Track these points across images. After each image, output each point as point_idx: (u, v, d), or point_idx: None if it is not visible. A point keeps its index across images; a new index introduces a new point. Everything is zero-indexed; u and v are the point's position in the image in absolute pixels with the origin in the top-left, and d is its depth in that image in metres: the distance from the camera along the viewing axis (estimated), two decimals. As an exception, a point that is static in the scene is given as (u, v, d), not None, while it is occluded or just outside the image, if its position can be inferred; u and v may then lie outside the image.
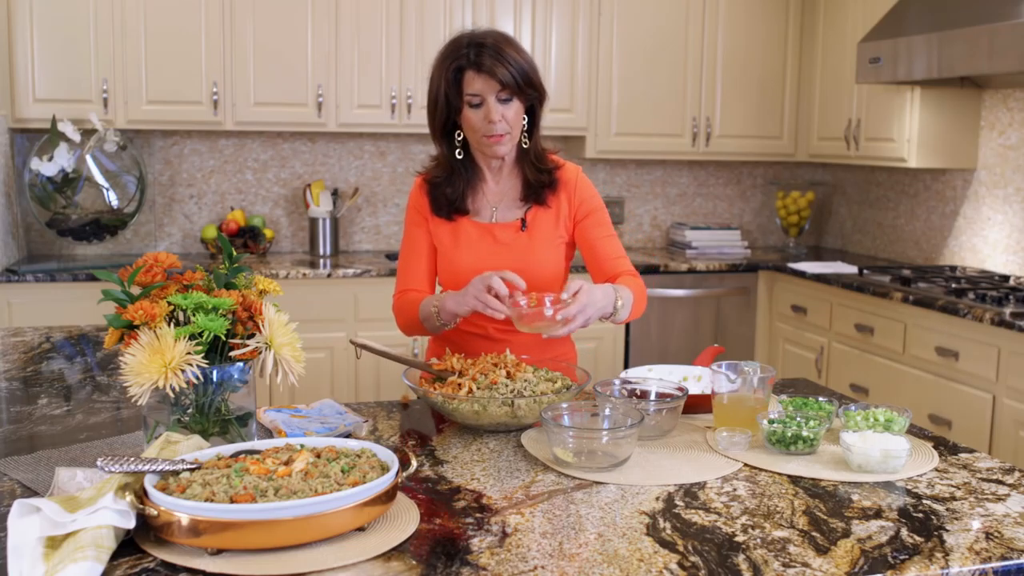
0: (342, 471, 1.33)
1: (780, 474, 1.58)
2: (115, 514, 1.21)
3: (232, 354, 1.48)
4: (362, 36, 4.23)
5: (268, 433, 1.73)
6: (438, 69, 2.03)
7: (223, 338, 1.47)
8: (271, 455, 1.37)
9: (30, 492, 1.43)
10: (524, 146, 2.10)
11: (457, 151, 2.09)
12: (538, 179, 2.11)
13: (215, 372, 1.48)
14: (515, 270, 2.05)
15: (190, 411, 1.50)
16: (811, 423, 1.68)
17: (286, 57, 4.16)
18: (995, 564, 1.25)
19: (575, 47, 4.50)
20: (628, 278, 2.10)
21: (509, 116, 2.00)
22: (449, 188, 2.10)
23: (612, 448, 1.59)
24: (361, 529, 1.28)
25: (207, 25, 4.06)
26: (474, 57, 1.97)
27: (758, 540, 1.31)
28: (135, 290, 1.51)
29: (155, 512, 1.21)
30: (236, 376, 1.51)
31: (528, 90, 2.01)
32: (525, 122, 2.08)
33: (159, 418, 1.50)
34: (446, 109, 2.04)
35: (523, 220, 2.11)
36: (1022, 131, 3.91)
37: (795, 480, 1.55)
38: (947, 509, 1.44)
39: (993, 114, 4.05)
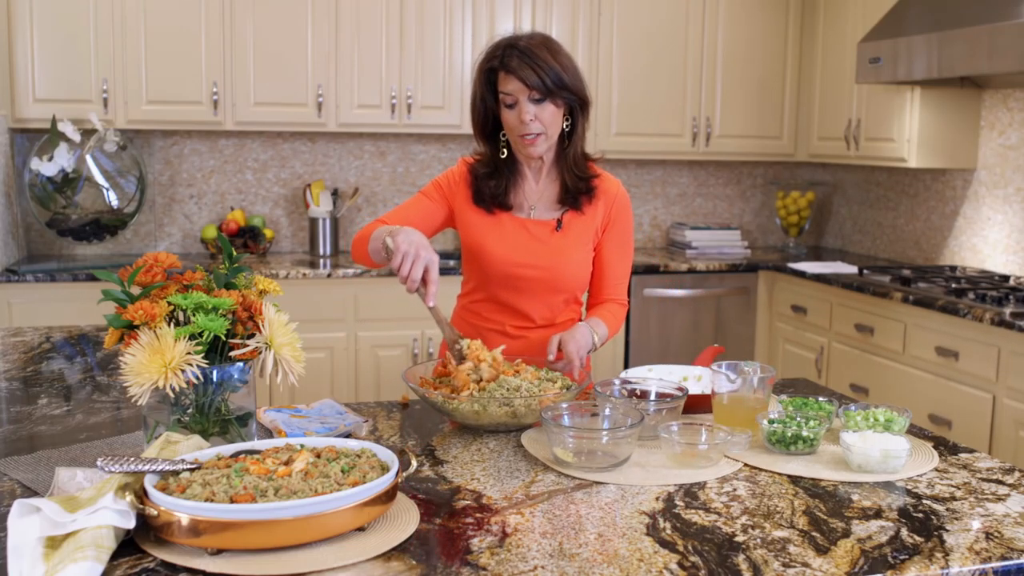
0: (342, 471, 1.33)
1: (780, 474, 1.58)
2: (115, 514, 1.21)
3: (232, 354, 1.48)
4: (362, 36, 4.23)
5: (268, 433, 1.73)
6: (476, 70, 2.08)
7: (223, 338, 1.47)
8: (271, 455, 1.37)
9: (30, 492, 1.43)
10: (565, 147, 2.12)
11: (501, 151, 2.12)
12: (576, 185, 2.12)
13: (215, 372, 1.48)
14: (545, 267, 2.11)
15: (190, 411, 1.50)
16: (811, 423, 1.68)
17: (286, 57, 4.16)
18: (995, 564, 1.25)
19: (575, 47, 4.49)
20: (612, 307, 2.18)
21: (544, 117, 2.01)
22: (493, 182, 2.12)
23: (612, 448, 1.59)
24: (361, 529, 1.28)
25: (207, 25, 4.06)
26: (504, 59, 2.00)
27: (758, 540, 1.31)
28: (135, 290, 1.51)
29: (155, 512, 1.21)
30: (236, 376, 1.51)
31: (561, 93, 2.00)
32: (568, 124, 2.09)
33: (159, 418, 1.50)
34: (483, 109, 2.07)
35: (559, 221, 2.13)
36: (1022, 131, 3.91)
37: (795, 480, 1.55)
38: (947, 509, 1.44)
39: (993, 114, 4.05)
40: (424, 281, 1.80)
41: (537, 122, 2.01)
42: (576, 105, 2.07)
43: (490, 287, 2.15)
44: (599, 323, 2.10)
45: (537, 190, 2.15)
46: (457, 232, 2.20)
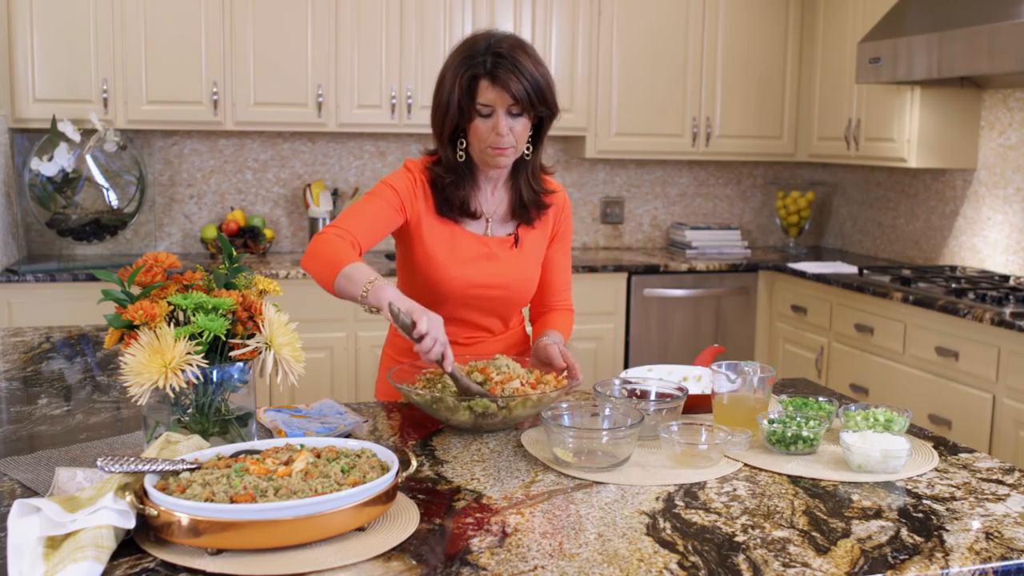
0: (342, 471, 1.33)
1: (780, 474, 1.58)
2: (115, 514, 1.21)
3: (232, 354, 1.48)
4: (362, 36, 4.23)
5: (268, 433, 1.73)
6: (452, 73, 1.96)
7: (223, 338, 1.47)
8: (271, 455, 1.37)
9: (30, 492, 1.43)
10: (525, 158, 2.04)
11: (459, 154, 2.01)
12: (532, 198, 2.08)
13: (215, 372, 1.48)
14: (503, 285, 2.07)
15: (190, 411, 1.50)
16: (811, 423, 1.68)
17: (286, 57, 4.16)
18: (995, 564, 1.25)
19: (575, 47, 4.50)
20: (564, 314, 2.19)
21: (517, 130, 1.94)
22: (461, 191, 2.02)
23: (612, 448, 1.59)
24: (361, 529, 1.28)
25: (207, 25, 4.06)
26: (490, 67, 1.90)
27: (758, 540, 1.31)
28: (135, 290, 1.51)
29: (155, 512, 1.21)
30: (236, 376, 1.51)
31: (540, 107, 1.94)
32: (530, 134, 2.02)
33: (159, 418, 1.50)
34: (457, 115, 1.96)
35: (516, 236, 2.09)
36: (1022, 131, 3.91)
37: (795, 480, 1.55)
38: (947, 509, 1.44)
39: (993, 114, 4.05)
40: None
41: (511, 135, 1.94)
42: (545, 118, 2.00)
43: (446, 305, 2.04)
44: (558, 336, 2.07)
45: (493, 200, 2.08)
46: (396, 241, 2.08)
